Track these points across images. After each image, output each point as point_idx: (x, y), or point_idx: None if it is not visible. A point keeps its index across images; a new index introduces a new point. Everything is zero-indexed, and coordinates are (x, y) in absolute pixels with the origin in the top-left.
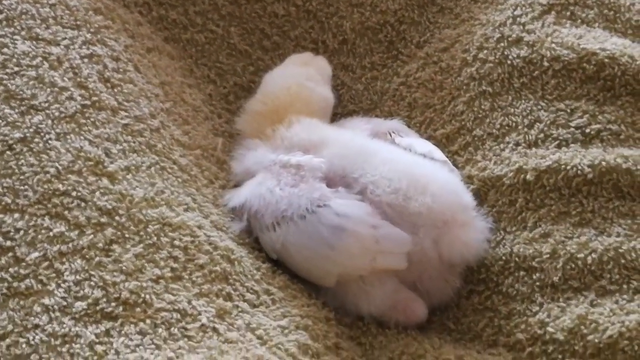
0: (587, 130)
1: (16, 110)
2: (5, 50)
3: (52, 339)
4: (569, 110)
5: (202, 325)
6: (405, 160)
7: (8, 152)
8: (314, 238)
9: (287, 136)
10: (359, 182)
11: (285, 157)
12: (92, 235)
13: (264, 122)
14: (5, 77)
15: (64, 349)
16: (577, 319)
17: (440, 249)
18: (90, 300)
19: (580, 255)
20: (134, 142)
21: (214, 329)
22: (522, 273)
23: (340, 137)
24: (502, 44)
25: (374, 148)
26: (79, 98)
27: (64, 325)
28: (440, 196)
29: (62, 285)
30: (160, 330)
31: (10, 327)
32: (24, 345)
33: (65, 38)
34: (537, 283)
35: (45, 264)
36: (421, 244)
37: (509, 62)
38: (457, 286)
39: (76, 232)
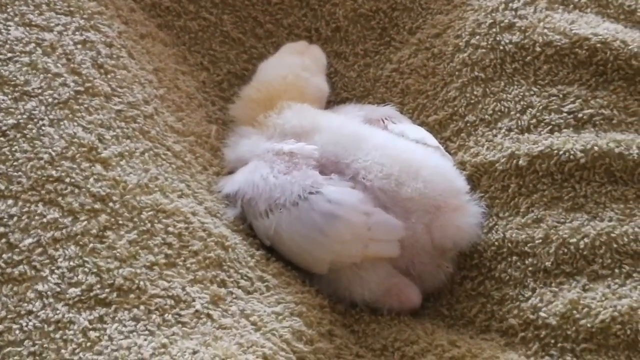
0: (580, 115)
1: (9, 97)
2: None
3: (46, 325)
4: (561, 96)
5: (196, 311)
6: (398, 145)
7: (1, 139)
8: (306, 225)
9: (279, 123)
10: (351, 168)
11: (278, 145)
12: (85, 222)
13: (257, 109)
14: None
15: (57, 335)
16: (569, 304)
17: (432, 234)
18: (84, 287)
19: (573, 240)
20: (128, 128)
21: (208, 315)
22: (514, 258)
23: (332, 122)
24: (494, 30)
25: (366, 133)
26: (72, 84)
27: (58, 312)
28: (432, 181)
29: (56, 271)
30: (154, 316)
31: (3, 313)
32: (17, 332)
33: (58, 24)
34: (530, 268)
35: (39, 250)
36: (413, 229)
37: (501, 47)
38: (450, 271)
39: (70, 218)
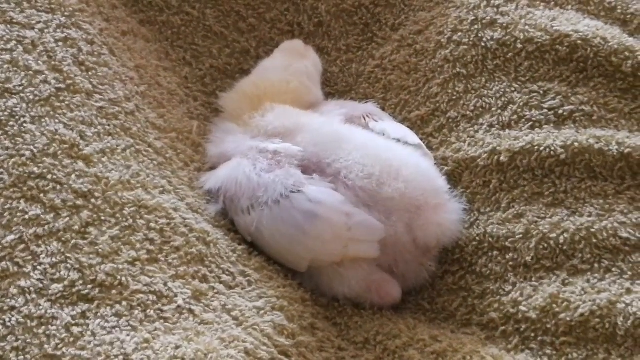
0: (560, 112)
1: None
2: None
3: (29, 321)
4: (542, 92)
5: (178, 306)
6: (379, 145)
7: None
8: (287, 223)
9: (262, 125)
10: (333, 167)
11: (263, 144)
12: (68, 218)
13: (247, 105)
14: None
15: (40, 331)
16: (549, 298)
17: (414, 233)
18: (66, 283)
19: (553, 235)
20: (109, 125)
21: (190, 311)
22: (495, 253)
23: (314, 122)
24: (476, 27)
25: (347, 134)
26: (53, 81)
27: (41, 307)
28: (413, 181)
29: (39, 267)
30: (136, 312)
31: None
32: (0, 327)
33: (39, 22)
34: (510, 263)
35: (21, 246)
36: (395, 228)
37: (482, 44)
38: (433, 270)
39: (52, 214)
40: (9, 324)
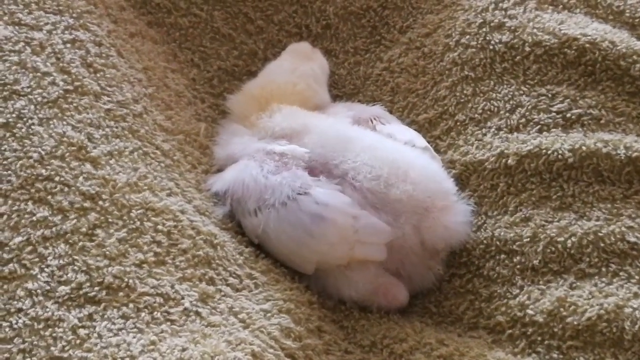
0: (568, 115)
1: None
2: None
3: (36, 323)
4: (550, 95)
5: (185, 309)
6: (386, 147)
7: None
8: (294, 225)
9: (269, 126)
10: (340, 169)
11: (269, 146)
12: (75, 220)
13: (254, 107)
14: None
15: (47, 333)
16: (556, 302)
17: (422, 234)
18: (73, 285)
19: (560, 239)
20: (117, 127)
21: (197, 313)
22: (502, 256)
23: (322, 123)
24: (484, 29)
25: (355, 135)
26: (61, 83)
27: (47, 309)
28: (421, 183)
29: (46, 269)
30: (143, 314)
31: None
32: (7, 329)
33: (47, 23)
34: (518, 266)
35: (29, 248)
36: (402, 230)
37: (491, 47)
38: (440, 272)
39: (59, 216)
40: (15, 326)
